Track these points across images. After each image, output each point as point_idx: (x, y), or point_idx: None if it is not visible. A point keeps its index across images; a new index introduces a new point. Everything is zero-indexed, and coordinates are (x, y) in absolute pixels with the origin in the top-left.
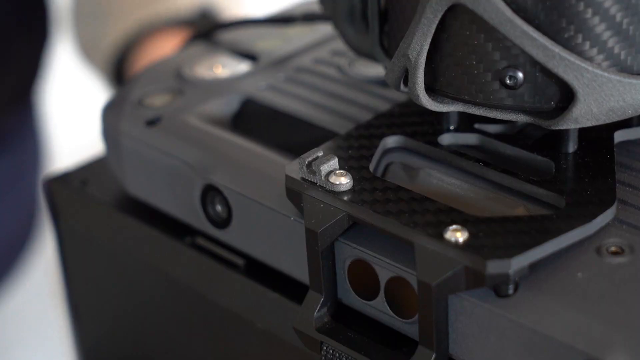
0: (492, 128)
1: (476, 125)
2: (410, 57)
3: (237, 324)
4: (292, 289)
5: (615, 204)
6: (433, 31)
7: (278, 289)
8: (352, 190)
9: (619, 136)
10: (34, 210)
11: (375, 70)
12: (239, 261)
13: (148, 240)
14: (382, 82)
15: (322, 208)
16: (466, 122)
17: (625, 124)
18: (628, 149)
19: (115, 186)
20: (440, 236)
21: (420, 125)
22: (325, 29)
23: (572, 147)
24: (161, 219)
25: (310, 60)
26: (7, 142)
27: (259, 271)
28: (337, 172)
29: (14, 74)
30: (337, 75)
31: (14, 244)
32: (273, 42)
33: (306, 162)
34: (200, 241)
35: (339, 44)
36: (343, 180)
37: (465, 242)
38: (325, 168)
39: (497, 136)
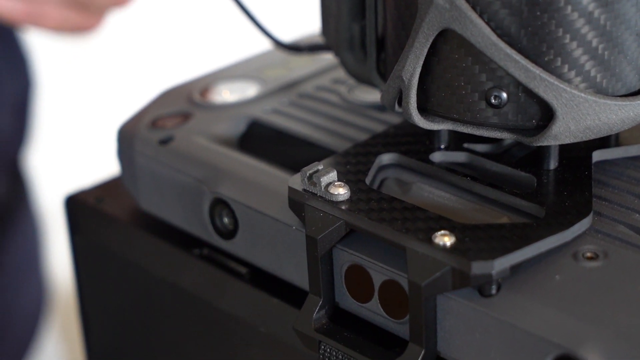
0: (479, 147)
1: (465, 145)
2: (404, 78)
3: (241, 328)
4: (292, 295)
5: (591, 214)
6: (425, 54)
7: (280, 296)
8: (349, 200)
9: (597, 156)
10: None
11: (373, 96)
12: (243, 270)
13: (159, 252)
14: (378, 107)
15: (322, 217)
16: (456, 142)
17: (603, 144)
18: (605, 167)
19: (129, 202)
20: (429, 241)
21: (413, 145)
22: (326, 60)
23: (553, 164)
24: (171, 233)
25: (312, 87)
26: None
27: (262, 279)
28: (336, 183)
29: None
30: (338, 100)
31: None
32: (278, 71)
33: (307, 175)
34: (208, 252)
35: (339, 73)
36: (341, 191)
37: (452, 246)
38: (325, 180)
39: (485, 155)
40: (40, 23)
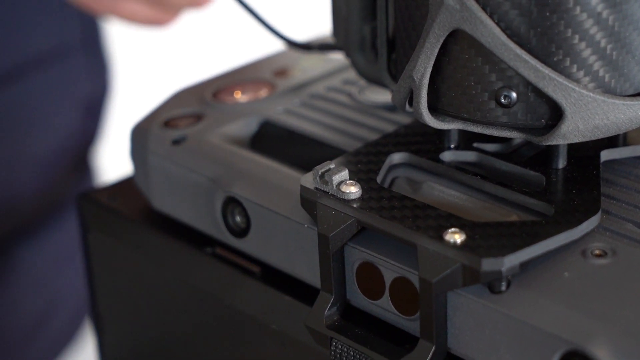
0: (489, 146)
1: (475, 144)
2: (415, 78)
3: (253, 326)
4: (304, 293)
5: (600, 212)
6: (436, 54)
7: (291, 293)
8: (360, 199)
9: (605, 155)
10: None
11: (383, 96)
12: (256, 268)
13: (171, 250)
14: (389, 107)
15: (334, 215)
16: (466, 141)
17: (611, 143)
18: (613, 167)
19: (141, 202)
20: (440, 238)
21: (423, 144)
22: (337, 61)
23: (561, 163)
24: (183, 231)
25: (323, 88)
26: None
27: (273, 277)
28: (348, 182)
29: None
30: (348, 101)
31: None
32: (290, 72)
33: (319, 173)
34: (220, 251)
35: (350, 74)
36: (353, 190)
37: (463, 243)
38: (336, 178)
39: (494, 154)
40: (115, 12)
